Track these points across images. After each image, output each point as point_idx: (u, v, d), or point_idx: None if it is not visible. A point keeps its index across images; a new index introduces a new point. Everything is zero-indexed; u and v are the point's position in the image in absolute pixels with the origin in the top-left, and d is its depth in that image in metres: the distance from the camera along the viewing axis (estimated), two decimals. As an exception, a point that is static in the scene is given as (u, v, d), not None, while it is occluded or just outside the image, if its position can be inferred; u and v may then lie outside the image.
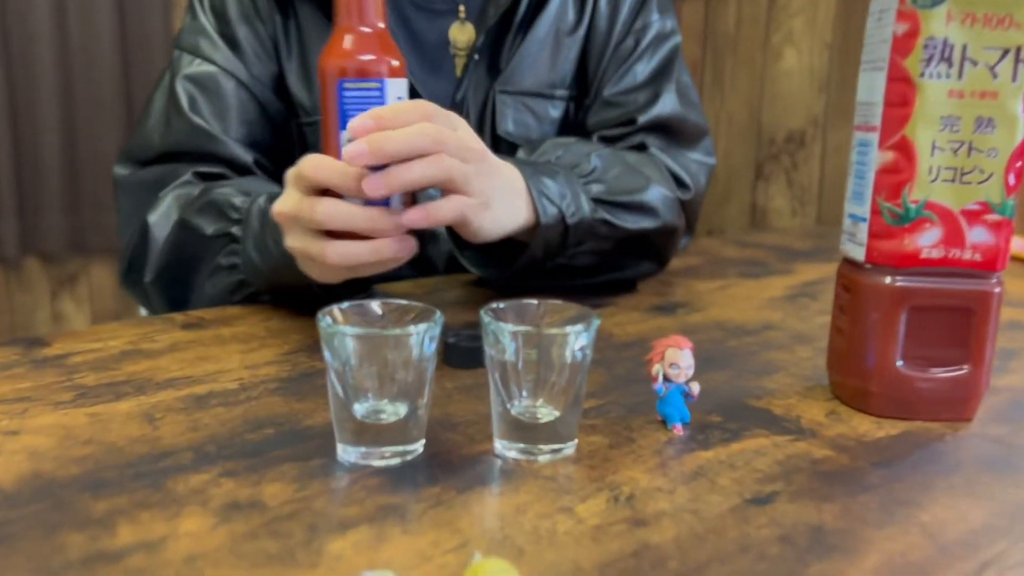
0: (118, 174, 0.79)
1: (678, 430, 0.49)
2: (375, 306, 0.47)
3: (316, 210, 0.53)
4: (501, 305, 0.47)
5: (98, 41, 1.80)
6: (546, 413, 0.45)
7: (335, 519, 0.39)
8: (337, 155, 0.54)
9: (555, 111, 0.85)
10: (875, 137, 0.50)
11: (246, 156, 0.77)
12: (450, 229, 0.65)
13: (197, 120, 0.76)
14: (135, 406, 0.51)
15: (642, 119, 0.83)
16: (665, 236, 0.77)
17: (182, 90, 0.77)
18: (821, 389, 0.57)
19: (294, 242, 0.56)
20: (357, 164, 0.51)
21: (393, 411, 0.44)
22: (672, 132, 0.84)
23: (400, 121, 0.52)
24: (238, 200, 0.69)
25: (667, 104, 0.84)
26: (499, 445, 0.46)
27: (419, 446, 0.45)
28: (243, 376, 0.56)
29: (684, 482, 0.43)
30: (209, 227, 0.70)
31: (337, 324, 0.45)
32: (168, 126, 0.77)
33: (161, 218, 0.73)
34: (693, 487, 0.43)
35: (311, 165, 0.53)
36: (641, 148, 0.82)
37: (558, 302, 0.47)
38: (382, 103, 0.54)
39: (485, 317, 0.45)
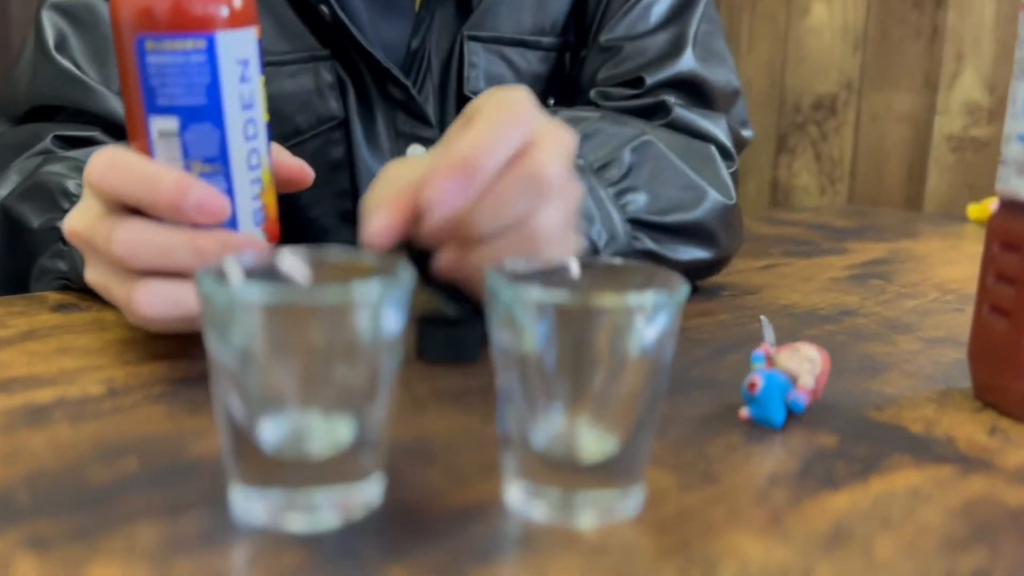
0: None
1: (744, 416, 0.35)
2: (297, 257, 0.29)
3: (114, 239, 0.34)
4: (520, 262, 0.29)
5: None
6: (594, 443, 0.27)
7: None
8: (146, 149, 0.36)
9: (541, 65, 0.65)
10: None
11: None
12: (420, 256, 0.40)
13: (64, 63, 0.57)
14: (-72, 423, 0.32)
15: (655, 77, 0.60)
16: (721, 264, 0.57)
17: (48, 23, 0.58)
18: (961, 395, 0.40)
19: (94, 277, 0.38)
20: (441, 214, 0.32)
21: (327, 432, 0.26)
22: (698, 94, 0.62)
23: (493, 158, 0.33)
24: (71, 183, 0.50)
25: (690, 58, 0.62)
26: (512, 494, 0.28)
27: (374, 491, 0.27)
28: (116, 376, 0.37)
29: (822, 552, 0.26)
30: (35, 218, 0.50)
31: (230, 288, 0.27)
32: (35, 72, 0.58)
33: None
34: (840, 561, 0.25)
35: (104, 164, 0.35)
36: (660, 110, 0.60)
37: (615, 260, 0.30)
38: (211, 71, 0.34)
39: (494, 279, 0.27)
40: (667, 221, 0.50)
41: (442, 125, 0.64)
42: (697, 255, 0.52)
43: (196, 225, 0.35)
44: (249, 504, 0.26)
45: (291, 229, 0.63)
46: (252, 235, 0.37)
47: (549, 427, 0.27)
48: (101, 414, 0.34)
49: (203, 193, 0.34)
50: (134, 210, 0.35)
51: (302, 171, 0.41)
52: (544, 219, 0.34)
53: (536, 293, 0.26)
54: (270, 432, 0.26)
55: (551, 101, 0.67)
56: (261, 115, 0.37)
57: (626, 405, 0.26)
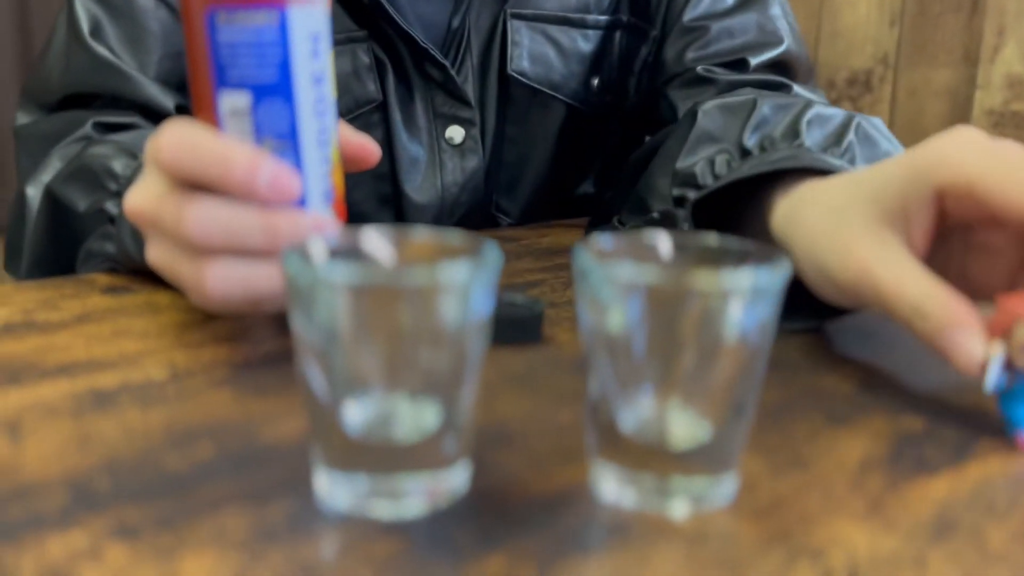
0: (18, 122, 0.59)
1: None
2: (382, 237, 0.28)
3: (184, 217, 0.33)
4: (607, 239, 0.28)
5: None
6: (686, 429, 0.26)
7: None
8: (215, 123, 0.35)
9: (586, 43, 0.64)
10: None
11: (166, 101, 0.56)
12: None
13: (101, 51, 0.56)
14: (-5, 408, 0.32)
15: (759, 58, 0.59)
16: None
17: (82, 10, 0.57)
18: (1041, 376, 0.38)
19: (157, 256, 0.36)
20: None
21: (414, 417, 0.25)
22: (793, 72, 0.60)
23: None
24: (118, 164, 0.48)
25: (789, 36, 0.60)
26: (601, 480, 0.27)
27: (460, 478, 0.27)
28: (177, 361, 0.37)
29: (931, 541, 0.25)
30: (81, 201, 0.49)
31: (315, 269, 0.26)
32: (68, 59, 0.57)
33: (40, 188, 0.53)
34: (952, 552, 0.24)
35: (173, 141, 0.34)
36: (782, 89, 0.57)
37: (708, 236, 0.29)
38: (283, 46, 0.34)
39: (582, 256, 0.26)
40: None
41: (482, 106, 0.63)
42: None
43: (266, 204, 0.34)
44: (335, 490, 0.26)
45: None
46: (323, 214, 0.36)
47: (639, 412, 0.26)
48: (167, 399, 0.33)
49: (275, 170, 0.33)
50: (198, 187, 0.34)
51: (367, 149, 0.40)
52: None
53: (626, 271, 0.25)
54: (356, 415, 0.25)
55: (595, 81, 0.65)
56: (331, 91, 0.36)
57: (721, 391, 0.26)
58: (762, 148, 0.46)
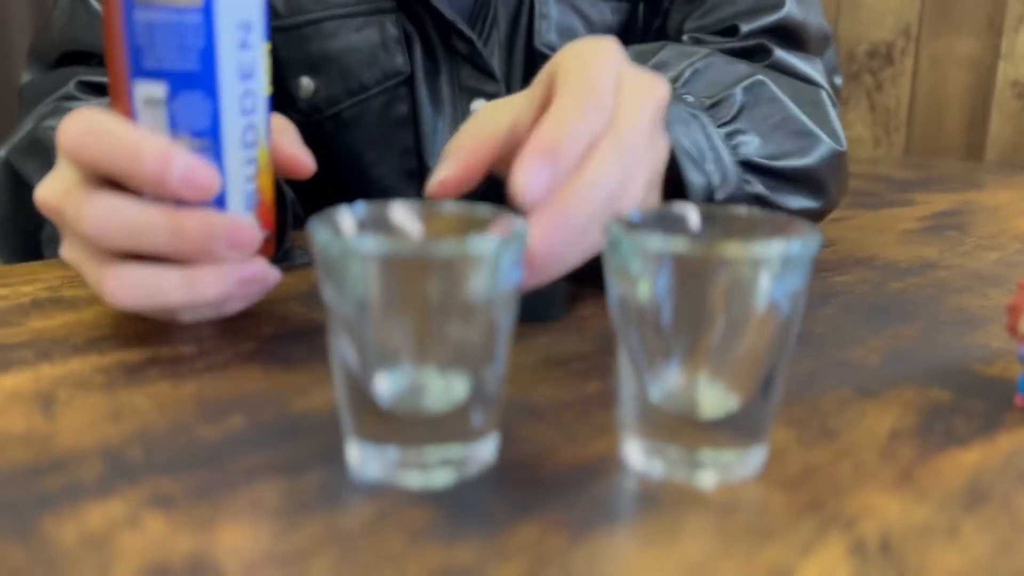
0: (23, 80, 0.59)
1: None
2: (412, 210, 0.28)
3: (84, 215, 0.31)
4: (637, 211, 0.28)
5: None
6: (715, 400, 0.26)
7: (351, 600, 0.20)
8: (129, 113, 0.32)
9: (614, 16, 0.63)
10: None
11: None
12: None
13: (101, 8, 0.56)
14: (28, 381, 0.32)
15: (751, 25, 0.57)
16: (825, 215, 0.52)
17: None
18: (1070, 348, 0.38)
19: (67, 252, 0.35)
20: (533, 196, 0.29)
21: (444, 388, 0.26)
22: (796, 39, 0.58)
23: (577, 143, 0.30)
24: None
25: (792, 2, 0.58)
26: (630, 451, 0.27)
27: (489, 449, 0.27)
28: (204, 335, 0.37)
29: (964, 511, 0.25)
30: (36, 177, 0.46)
31: (345, 239, 0.26)
32: (71, 16, 0.56)
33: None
34: (986, 521, 0.24)
35: (78, 129, 0.31)
36: (758, 53, 0.56)
37: (739, 208, 0.29)
38: (207, 33, 0.31)
39: (611, 227, 0.26)
40: (779, 166, 0.47)
41: (508, 80, 0.62)
42: (806, 204, 0.49)
43: (180, 203, 0.31)
44: (366, 460, 0.26)
45: (354, 188, 0.63)
46: (242, 218, 0.32)
47: (668, 383, 0.26)
48: (197, 372, 0.33)
49: (190, 164, 0.30)
50: (113, 182, 0.32)
51: (301, 161, 0.37)
52: (630, 190, 0.33)
53: (656, 241, 0.25)
54: (387, 386, 0.25)
55: None
56: (262, 87, 0.34)
57: (751, 362, 0.25)
58: None
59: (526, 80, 0.63)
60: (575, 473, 0.26)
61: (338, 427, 0.28)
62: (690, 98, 0.45)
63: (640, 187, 0.33)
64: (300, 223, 0.52)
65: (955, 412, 0.31)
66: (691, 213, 0.28)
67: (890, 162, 1.04)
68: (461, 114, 0.61)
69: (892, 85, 1.33)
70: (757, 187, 0.45)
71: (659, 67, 0.48)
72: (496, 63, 0.61)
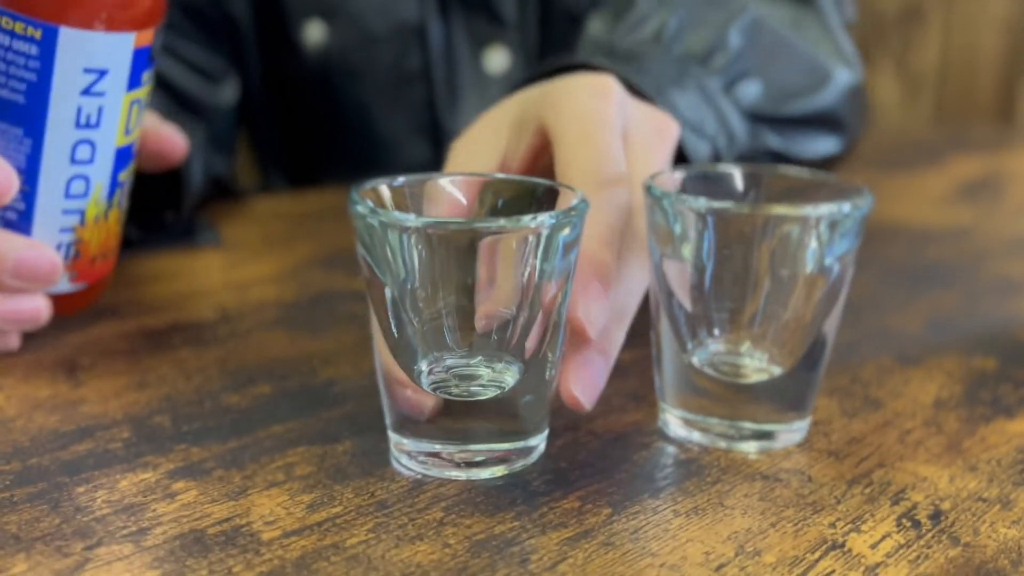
0: None
1: None
2: (459, 182, 0.26)
3: None
4: (678, 170, 0.27)
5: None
6: (757, 366, 0.25)
7: (393, 570, 0.20)
8: None
9: None
10: None
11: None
12: None
13: None
14: (49, 347, 0.31)
15: None
16: (847, 154, 0.47)
17: None
18: (1115, 315, 0.37)
19: None
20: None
21: (493, 377, 0.24)
22: None
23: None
24: None
25: None
26: (671, 420, 0.26)
27: (539, 442, 0.25)
28: (226, 301, 0.36)
29: (1015, 482, 0.24)
30: None
31: (390, 212, 0.25)
32: None
33: None
34: (1039, 493, 0.23)
35: None
36: None
37: (786, 168, 0.28)
38: (41, 71, 0.28)
39: (654, 189, 0.25)
40: (789, 112, 0.41)
41: (522, 29, 0.60)
42: (827, 148, 0.43)
43: None
44: (413, 452, 0.25)
45: (362, 145, 0.61)
46: (45, 250, 0.29)
47: (710, 349, 0.25)
48: (219, 339, 0.33)
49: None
50: None
51: (173, 142, 0.36)
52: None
53: (700, 201, 0.24)
54: (429, 372, 0.24)
55: None
56: (111, 141, 0.30)
57: (798, 329, 0.25)
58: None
59: (541, 31, 0.61)
60: (612, 443, 0.26)
61: (368, 397, 0.27)
62: (680, 50, 0.40)
63: None
64: (232, 196, 0.50)
65: (1000, 380, 0.30)
66: (736, 173, 0.27)
67: (919, 125, 1.02)
68: (475, 68, 0.59)
69: (920, 46, 1.30)
70: (770, 140, 0.41)
71: (639, 23, 0.42)
72: (510, 13, 0.59)
